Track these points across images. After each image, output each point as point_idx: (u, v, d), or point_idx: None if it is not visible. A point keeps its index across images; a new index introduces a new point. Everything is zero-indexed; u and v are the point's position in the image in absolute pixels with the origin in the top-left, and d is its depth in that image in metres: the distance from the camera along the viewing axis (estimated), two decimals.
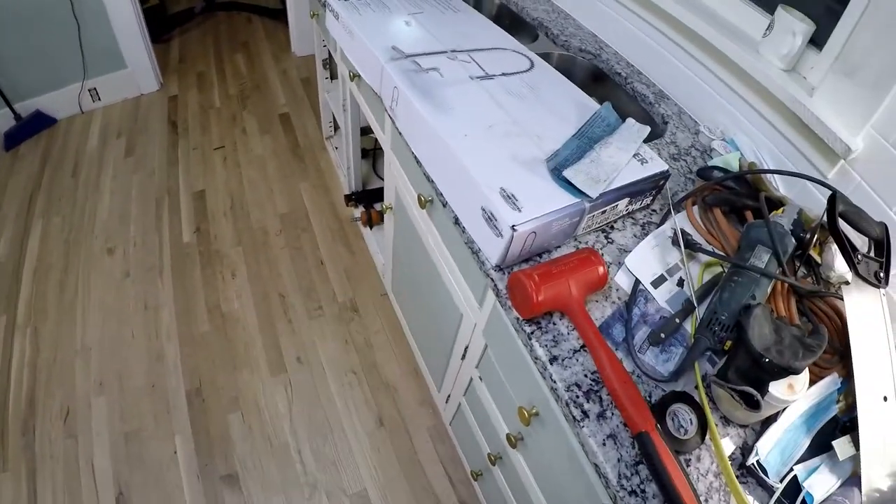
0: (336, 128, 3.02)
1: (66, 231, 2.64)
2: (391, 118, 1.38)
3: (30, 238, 2.62)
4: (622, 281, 1.04)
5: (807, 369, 0.82)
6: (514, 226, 0.93)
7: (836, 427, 0.86)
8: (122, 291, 2.40)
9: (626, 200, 1.09)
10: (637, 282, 1.03)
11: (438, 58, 1.37)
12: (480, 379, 1.40)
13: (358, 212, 2.58)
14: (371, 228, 2.51)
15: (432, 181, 1.20)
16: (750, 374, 0.81)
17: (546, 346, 0.93)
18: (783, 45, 1.18)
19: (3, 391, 2.09)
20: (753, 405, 0.79)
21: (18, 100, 3.08)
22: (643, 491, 0.79)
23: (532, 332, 0.95)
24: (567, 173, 1.02)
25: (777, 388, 0.80)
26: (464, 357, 1.47)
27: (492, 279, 1.03)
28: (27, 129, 3.16)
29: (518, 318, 0.96)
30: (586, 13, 1.80)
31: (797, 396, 0.81)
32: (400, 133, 1.34)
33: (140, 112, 3.35)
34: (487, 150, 1.08)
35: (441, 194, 1.17)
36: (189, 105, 3.41)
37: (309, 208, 2.78)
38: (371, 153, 2.82)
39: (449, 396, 1.77)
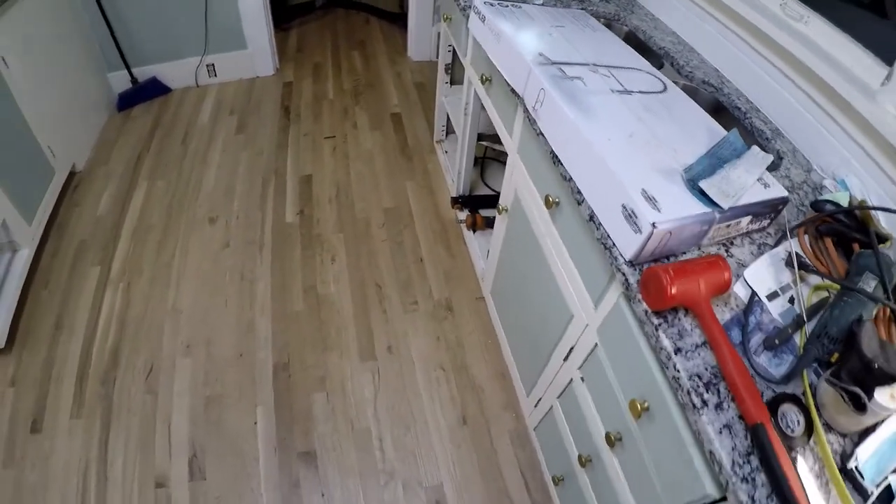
0: (448, 132, 3.23)
1: (169, 195, 2.88)
2: (531, 119, 1.54)
3: (133, 197, 2.86)
4: (739, 291, 1.17)
5: None
6: (654, 223, 1.07)
7: None
8: (220, 261, 2.60)
9: (748, 218, 1.23)
10: (754, 293, 1.16)
11: (581, 69, 1.53)
12: (582, 380, 1.53)
13: (463, 215, 2.77)
14: (474, 233, 2.70)
15: (570, 179, 1.35)
16: (858, 379, 0.92)
17: (672, 338, 1.06)
18: None
19: (89, 339, 2.28)
20: (860, 407, 0.90)
21: (137, 64, 3.39)
22: (753, 479, 0.90)
23: (659, 325, 1.08)
24: (703, 184, 1.17)
25: (881, 394, 0.91)
26: (566, 358, 1.60)
27: (623, 273, 1.16)
28: (142, 94, 3.46)
29: (646, 311, 1.10)
30: (711, 49, 1.94)
31: None
32: (539, 133, 1.49)
33: (254, 93, 3.63)
34: (629, 156, 1.23)
35: (578, 192, 1.32)
36: (303, 93, 3.67)
37: (413, 207, 2.97)
38: (480, 161, 3.02)
39: (539, 400, 1.90)
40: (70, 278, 2.47)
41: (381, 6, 4.58)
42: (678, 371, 1.01)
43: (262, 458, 2.00)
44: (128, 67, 3.32)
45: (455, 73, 2.90)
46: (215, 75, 3.64)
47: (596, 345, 1.40)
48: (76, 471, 1.92)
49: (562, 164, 1.38)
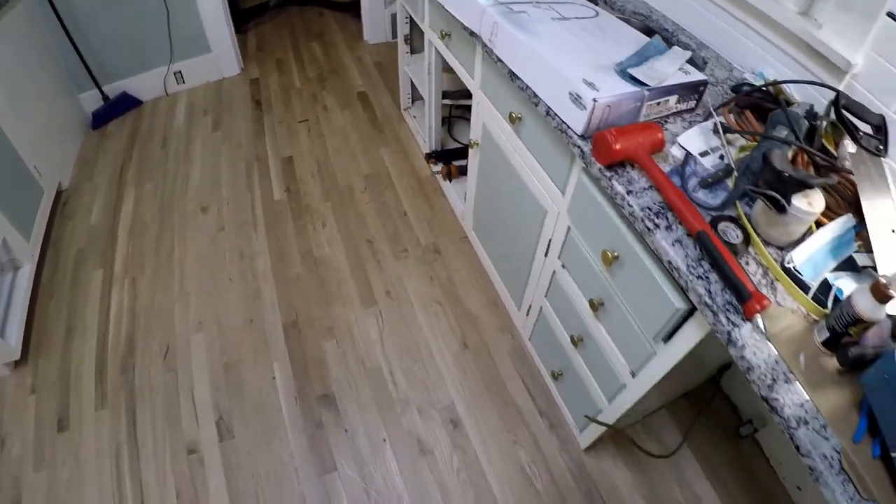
0: (413, 99, 3.54)
1: (159, 195, 3.12)
2: (488, 51, 1.85)
3: (123, 203, 3.08)
4: (675, 153, 1.48)
5: (822, 196, 1.20)
6: (594, 98, 1.39)
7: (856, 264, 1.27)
8: (218, 244, 2.85)
9: (675, 97, 1.55)
10: (688, 152, 1.46)
11: (525, 5, 1.85)
12: (563, 267, 1.84)
13: (438, 167, 3.11)
14: (451, 181, 3.03)
15: (527, 88, 1.67)
16: (775, 188, 1.19)
17: (623, 185, 1.38)
18: None
19: (102, 335, 2.47)
20: (781, 209, 1.17)
21: (106, 82, 3.58)
22: (707, 277, 1.20)
23: (612, 176, 1.40)
24: (631, 70, 1.51)
25: (799, 200, 1.18)
26: (547, 253, 1.93)
27: (578, 146, 1.48)
28: (114, 110, 3.66)
29: (601, 169, 1.42)
30: None
31: (815, 211, 1.19)
32: (497, 60, 1.80)
33: (223, 93, 3.89)
34: (570, 60, 1.55)
35: (534, 95, 1.63)
36: (271, 86, 3.95)
37: (390, 170, 3.27)
38: (447, 120, 3.36)
39: (530, 308, 2.23)
40: (74, 285, 2.65)
41: None
42: (632, 206, 1.32)
43: (284, 408, 2.24)
44: (98, 86, 3.50)
45: (414, 42, 3.19)
46: (183, 82, 3.87)
47: (569, 228, 1.71)
48: (108, 456, 2.08)
49: (519, 78, 1.69)
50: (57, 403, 2.24)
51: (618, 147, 1.34)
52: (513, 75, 1.72)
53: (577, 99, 1.43)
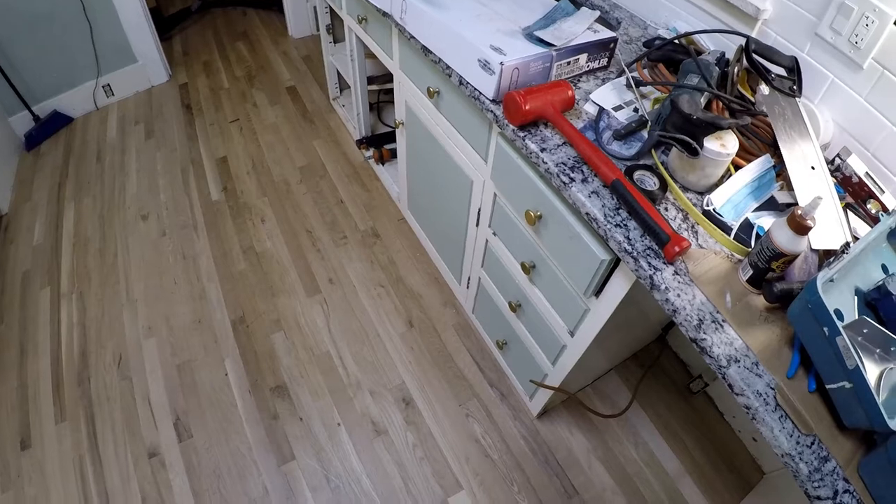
0: (342, 89, 3.45)
1: (98, 208, 2.99)
2: (400, 28, 1.78)
3: (64, 220, 2.95)
4: (589, 110, 1.44)
5: (735, 137, 1.18)
6: (501, 62, 1.34)
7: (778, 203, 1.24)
8: (160, 248, 2.75)
9: (585, 56, 1.51)
10: (601, 108, 1.42)
11: None
12: (495, 234, 1.79)
13: (370, 152, 3.05)
14: (383, 164, 2.97)
15: (440, 61, 1.61)
16: (686, 132, 1.16)
17: (537, 143, 1.33)
18: None
19: (55, 352, 2.37)
20: (693, 152, 1.14)
21: (36, 102, 3.42)
22: (626, 225, 1.16)
23: (525, 136, 1.35)
24: (538, 33, 1.46)
25: (710, 142, 1.16)
26: (478, 222, 1.88)
27: (491, 111, 1.43)
28: (46, 129, 3.49)
29: (514, 130, 1.37)
30: None
31: (729, 152, 1.16)
32: (410, 37, 1.73)
33: (154, 101, 3.74)
34: (478, 27, 1.50)
35: (447, 67, 1.58)
36: (200, 89, 3.81)
37: (324, 160, 3.19)
38: (375, 106, 3.28)
39: (469, 279, 2.18)
40: (23, 307, 2.55)
41: None
42: (546, 163, 1.27)
43: (239, 403, 2.17)
44: (27, 107, 3.34)
45: (336, 31, 3.11)
46: (113, 94, 3.72)
47: (495, 194, 1.67)
48: (72, 469, 2.01)
49: (431, 52, 1.64)
50: (18, 423, 2.14)
51: (527, 107, 1.29)
52: (426, 50, 1.66)
53: (485, 65, 1.38)
